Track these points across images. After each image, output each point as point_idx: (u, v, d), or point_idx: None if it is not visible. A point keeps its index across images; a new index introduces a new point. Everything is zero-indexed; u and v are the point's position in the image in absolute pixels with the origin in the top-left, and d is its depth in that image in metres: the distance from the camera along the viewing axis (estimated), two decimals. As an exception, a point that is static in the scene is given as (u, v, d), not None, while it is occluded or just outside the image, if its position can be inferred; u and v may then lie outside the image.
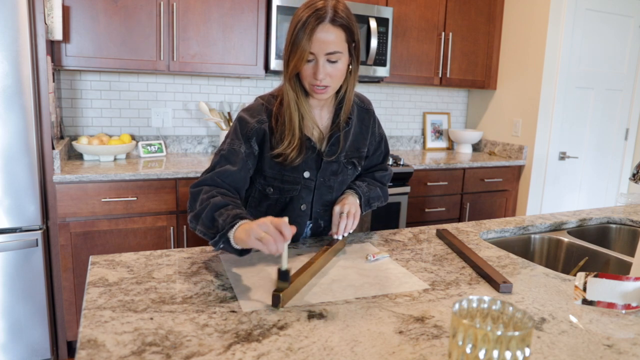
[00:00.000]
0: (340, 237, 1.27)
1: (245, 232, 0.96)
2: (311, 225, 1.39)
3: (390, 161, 2.81)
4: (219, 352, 0.77)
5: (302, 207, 1.32)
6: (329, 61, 1.14)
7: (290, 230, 0.93)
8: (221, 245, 1.04)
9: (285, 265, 0.95)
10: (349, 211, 1.28)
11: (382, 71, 2.94)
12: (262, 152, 1.25)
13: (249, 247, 1.00)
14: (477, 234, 1.48)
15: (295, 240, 1.35)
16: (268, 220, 0.94)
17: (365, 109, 1.39)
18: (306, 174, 1.28)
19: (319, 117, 1.30)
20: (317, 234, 1.41)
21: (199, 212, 1.10)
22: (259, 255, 1.22)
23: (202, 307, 0.92)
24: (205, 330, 0.83)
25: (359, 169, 1.40)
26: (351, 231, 1.28)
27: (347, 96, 1.27)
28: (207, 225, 1.07)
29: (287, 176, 1.27)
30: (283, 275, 0.95)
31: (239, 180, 1.20)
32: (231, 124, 1.30)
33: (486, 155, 3.46)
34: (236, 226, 1.01)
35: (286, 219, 0.94)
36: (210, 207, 1.07)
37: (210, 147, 3.04)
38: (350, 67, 1.22)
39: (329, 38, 1.11)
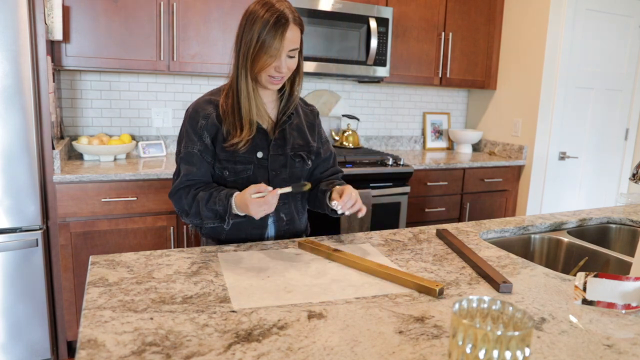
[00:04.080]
0: (344, 212, 1.28)
1: (243, 205, 1.19)
2: (274, 218, 1.40)
3: (390, 161, 2.81)
4: (219, 352, 0.77)
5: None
6: (289, 56, 1.26)
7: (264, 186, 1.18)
8: (231, 221, 1.25)
9: (287, 189, 1.22)
10: (358, 197, 1.31)
11: (382, 71, 2.94)
12: (215, 142, 1.33)
13: (254, 215, 1.18)
14: (477, 234, 1.48)
15: (260, 239, 1.40)
16: (248, 191, 1.18)
17: (309, 110, 1.49)
18: (259, 154, 1.34)
19: (268, 106, 1.39)
20: (282, 234, 1.43)
21: (195, 211, 1.30)
22: (258, 256, 1.22)
23: (202, 307, 0.92)
24: (205, 330, 0.83)
25: (309, 163, 1.44)
26: (348, 213, 1.29)
27: (296, 86, 1.38)
28: (210, 216, 1.27)
29: (239, 157, 1.32)
30: (296, 186, 1.24)
31: (204, 175, 1.35)
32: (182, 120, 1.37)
33: (486, 155, 3.46)
34: (233, 203, 1.23)
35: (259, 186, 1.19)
36: (202, 203, 1.27)
37: (210, 147, 3.04)
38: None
39: (294, 37, 1.25)
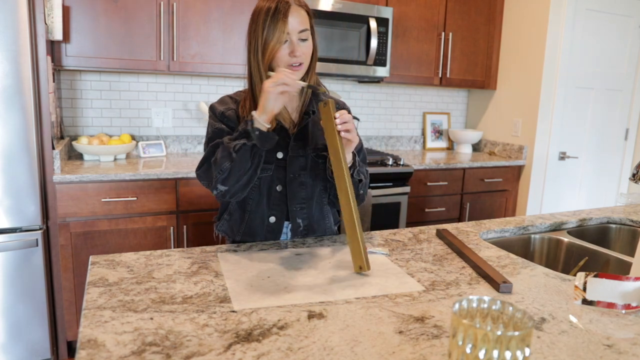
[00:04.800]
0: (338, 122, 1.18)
1: (261, 101, 1.13)
2: (290, 225, 1.36)
3: (391, 161, 2.81)
4: (219, 352, 0.77)
5: (277, 187, 1.32)
6: (301, 39, 1.23)
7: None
8: (257, 133, 1.14)
9: (304, 83, 1.20)
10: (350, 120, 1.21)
11: (382, 71, 2.94)
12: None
13: (274, 108, 1.13)
14: (477, 234, 1.48)
15: (274, 238, 1.35)
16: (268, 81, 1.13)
17: (340, 108, 1.41)
18: (279, 155, 1.31)
19: (288, 104, 1.34)
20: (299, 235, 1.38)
21: (222, 156, 1.19)
22: (258, 256, 1.22)
23: (202, 307, 0.92)
24: (205, 330, 0.83)
25: None
26: (340, 126, 1.17)
27: (310, 77, 1.32)
28: (237, 146, 1.16)
29: None
30: (314, 87, 1.23)
31: None
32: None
33: (486, 155, 3.46)
34: (254, 114, 1.15)
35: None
36: (225, 142, 1.20)
37: (210, 147, 3.04)
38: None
39: (300, 18, 1.22)
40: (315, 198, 1.37)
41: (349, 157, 1.24)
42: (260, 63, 1.23)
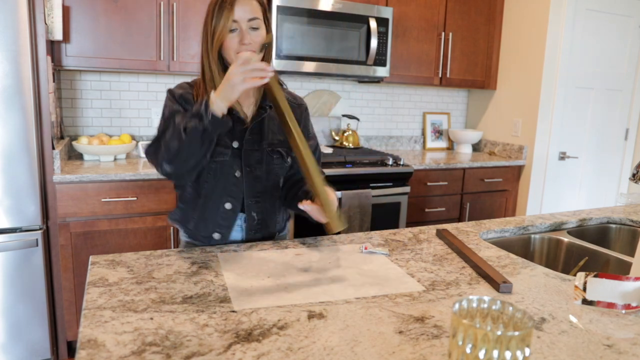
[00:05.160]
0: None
1: (222, 86, 1.11)
2: (245, 218, 1.35)
3: (390, 161, 2.81)
4: (219, 352, 0.77)
5: (236, 173, 1.31)
6: (251, 28, 1.23)
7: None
8: (209, 117, 1.11)
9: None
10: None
11: (382, 71, 2.94)
12: None
13: (234, 92, 1.10)
14: (477, 234, 1.48)
15: (228, 227, 1.33)
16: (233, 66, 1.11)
17: (297, 104, 1.43)
18: (235, 144, 1.30)
19: (244, 98, 1.33)
20: (252, 237, 1.37)
21: (171, 135, 1.16)
22: (258, 256, 1.22)
23: (202, 307, 0.92)
24: (205, 330, 0.83)
25: (289, 160, 1.38)
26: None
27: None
28: (190, 125, 1.13)
29: (218, 140, 1.25)
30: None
31: None
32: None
33: (486, 155, 3.46)
34: (211, 95, 1.13)
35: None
36: (178, 119, 1.17)
37: (210, 147, 3.04)
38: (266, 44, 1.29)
39: (248, 7, 1.22)
40: (268, 192, 1.37)
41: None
42: (209, 51, 1.24)
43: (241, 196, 1.33)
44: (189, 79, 2.49)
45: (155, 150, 1.23)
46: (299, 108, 1.43)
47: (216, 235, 1.33)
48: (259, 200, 1.35)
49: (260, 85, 1.13)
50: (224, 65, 1.28)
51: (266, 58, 1.29)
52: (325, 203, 1.14)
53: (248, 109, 1.34)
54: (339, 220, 1.14)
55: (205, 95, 1.21)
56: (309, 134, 1.46)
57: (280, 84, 1.27)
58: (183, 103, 1.28)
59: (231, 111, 1.25)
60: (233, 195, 1.32)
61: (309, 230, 1.53)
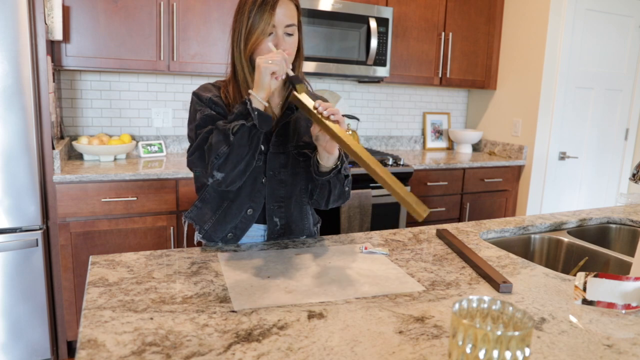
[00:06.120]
0: (319, 108, 1.11)
1: (256, 77, 1.10)
2: (267, 225, 1.32)
3: (391, 161, 2.81)
4: (219, 352, 0.77)
5: (262, 180, 1.28)
6: (287, 34, 1.20)
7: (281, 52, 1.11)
8: (255, 112, 1.10)
9: (291, 72, 1.12)
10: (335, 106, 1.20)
11: (382, 71, 2.94)
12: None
13: (270, 84, 1.10)
14: (477, 234, 1.48)
15: (244, 229, 1.30)
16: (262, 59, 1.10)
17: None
18: (263, 147, 1.26)
19: (271, 99, 1.29)
20: (276, 237, 1.34)
21: (217, 140, 1.13)
22: (258, 256, 1.22)
23: (202, 307, 0.92)
24: (205, 330, 0.83)
25: None
26: (332, 117, 1.10)
27: (296, 69, 1.28)
28: (235, 127, 1.11)
29: None
30: (295, 78, 1.12)
31: None
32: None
33: (486, 155, 3.46)
34: (251, 92, 1.11)
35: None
36: (221, 125, 1.14)
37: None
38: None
39: (288, 12, 1.19)
40: (294, 197, 1.33)
41: (335, 153, 1.19)
42: (242, 52, 1.21)
43: (262, 202, 1.30)
44: (188, 79, 2.49)
45: (199, 158, 1.19)
46: None
47: (230, 236, 1.31)
48: (281, 205, 1.32)
49: (283, 75, 1.11)
50: (253, 67, 1.23)
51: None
52: (404, 194, 0.99)
53: (275, 109, 1.30)
54: (422, 205, 0.99)
55: (238, 95, 1.21)
56: None
57: (309, 90, 1.23)
58: (213, 106, 1.24)
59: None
60: (256, 201, 1.29)
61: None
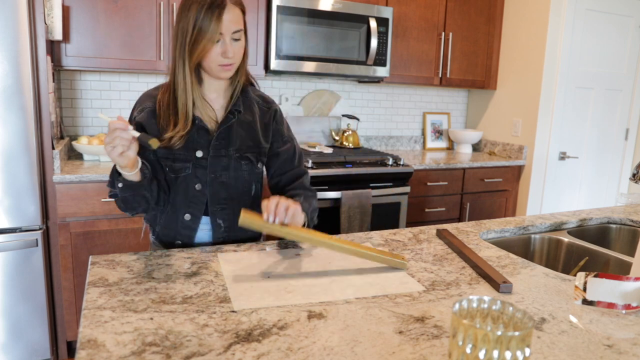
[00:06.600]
0: (270, 220, 1.09)
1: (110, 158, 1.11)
2: (211, 225, 1.33)
3: (390, 161, 2.81)
4: (219, 352, 0.77)
5: (196, 186, 1.29)
6: (234, 39, 1.20)
7: (116, 122, 1.07)
8: (119, 185, 1.17)
9: (136, 133, 1.09)
10: (284, 204, 1.12)
11: (382, 71, 2.94)
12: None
13: (120, 163, 1.11)
14: (477, 234, 1.48)
15: (190, 234, 1.31)
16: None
17: (266, 107, 1.38)
18: (198, 154, 1.27)
19: (214, 102, 1.31)
20: (220, 242, 1.34)
21: (109, 193, 1.25)
22: (258, 257, 1.22)
23: (202, 307, 0.92)
24: (205, 330, 0.83)
25: (259, 166, 1.37)
26: (286, 221, 1.11)
27: (239, 76, 1.30)
28: (112, 183, 1.22)
29: (178, 154, 1.26)
30: (143, 137, 1.09)
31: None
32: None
33: (486, 155, 3.46)
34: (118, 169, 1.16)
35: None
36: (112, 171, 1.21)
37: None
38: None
39: (234, 17, 1.18)
40: (237, 199, 1.34)
41: (300, 220, 1.18)
42: (186, 61, 1.20)
43: (203, 207, 1.31)
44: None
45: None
46: (268, 111, 1.38)
47: (178, 242, 1.33)
48: (224, 207, 1.32)
49: (131, 144, 1.09)
50: (199, 75, 1.26)
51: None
52: (383, 257, 1.16)
53: (219, 112, 1.31)
54: (399, 257, 1.19)
55: (172, 105, 1.23)
56: (283, 138, 1.40)
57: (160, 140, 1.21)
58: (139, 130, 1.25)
59: (195, 120, 1.25)
60: (193, 207, 1.30)
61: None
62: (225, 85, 1.32)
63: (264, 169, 1.43)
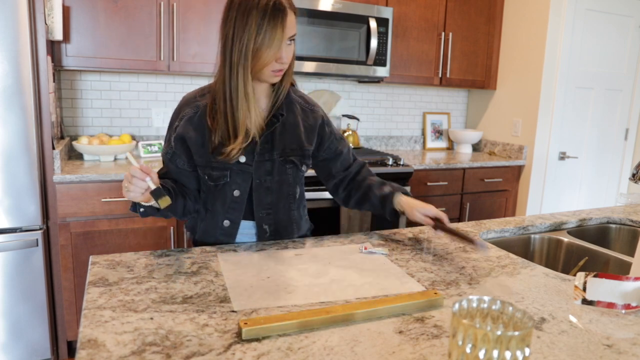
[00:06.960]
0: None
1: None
2: (256, 230, 1.33)
3: (390, 161, 2.81)
4: (219, 352, 0.77)
5: (235, 192, 1.28)
6: (287, 44, 1.17)
7: (136, 170, 1.06)
8: (140, 209, 1.18)
9: (153, 186, 1.09)
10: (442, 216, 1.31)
11: (382, 71, 2.94)
12: (189, 146, 1.26)
13: (133, 200, 1.12)
14: (477, 234, 1.48)
15: (230, 239, 1.32)
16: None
17: (310, 109, 1.37)
18: (242, 159, 1.25)
19: (261, 106, 1.29)
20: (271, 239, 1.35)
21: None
22: (258, 257, 1.22)
23: (202, 307, 0.92)
24: (205, 330, 0.83)
25: (303, 169, 1.35)
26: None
27: (286, 80, 1.27)
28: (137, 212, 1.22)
29: (214, 163, 1.24)
30: (156, 193, 1.09)
31: (177, 178, 1.31)
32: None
33: (486, 155, 3.46)
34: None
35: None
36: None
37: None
38: None
39: (292, 23, 1.16)
40: (281, 204, 1.33)
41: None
42: (248, 69, 1.14)
43: (242, 213, 1.30)
44: (188, 79, 2.48)
45: None
46: (312, 114, 1.36)
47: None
48: (269, 212, 1.32)
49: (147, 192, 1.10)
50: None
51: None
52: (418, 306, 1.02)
53: (261, 115, 1.27)
54: (434, 299, 1.04)
55: (230, 119, 1.19)
56: (337, 136, 1.42)
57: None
58: (175, 147, 1.27)
59: (236, 127, 1.21)
60: (231, 213, 1.30)
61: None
62: (270, 88, 1.29)
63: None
